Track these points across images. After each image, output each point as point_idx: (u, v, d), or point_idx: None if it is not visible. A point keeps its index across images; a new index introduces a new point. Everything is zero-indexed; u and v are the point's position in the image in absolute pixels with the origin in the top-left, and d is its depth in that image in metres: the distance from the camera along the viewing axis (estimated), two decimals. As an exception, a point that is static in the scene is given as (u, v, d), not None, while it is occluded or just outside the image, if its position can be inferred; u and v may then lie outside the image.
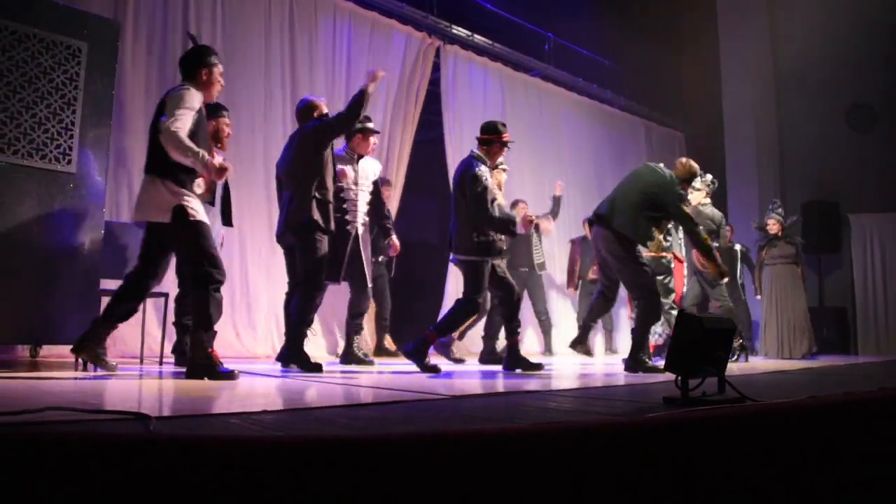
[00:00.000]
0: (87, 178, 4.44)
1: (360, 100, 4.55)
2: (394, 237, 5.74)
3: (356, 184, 5.24)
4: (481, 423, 2.05)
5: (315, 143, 4.63)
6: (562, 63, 10.15)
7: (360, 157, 5.34)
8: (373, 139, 5.41)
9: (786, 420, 1.76)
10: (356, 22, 7.59)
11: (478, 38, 8.83)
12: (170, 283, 5.58)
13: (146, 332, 5.07)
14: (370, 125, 5.37)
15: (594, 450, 1.41)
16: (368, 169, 5.38)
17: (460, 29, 8.59)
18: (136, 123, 5.78)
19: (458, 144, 8.36)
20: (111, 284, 4.87)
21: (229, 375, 3.56)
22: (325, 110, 4.92)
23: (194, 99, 3.68)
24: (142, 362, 4.93)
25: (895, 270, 10.20)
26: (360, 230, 5.27)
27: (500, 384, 3.69)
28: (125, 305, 3.81)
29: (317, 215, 4.58)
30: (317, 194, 4.62)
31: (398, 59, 7.93)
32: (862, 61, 10.32)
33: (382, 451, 1.22)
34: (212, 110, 4.50)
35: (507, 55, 9.30)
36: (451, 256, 5.08)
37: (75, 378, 3.53)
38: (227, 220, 4.70)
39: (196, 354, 3.66)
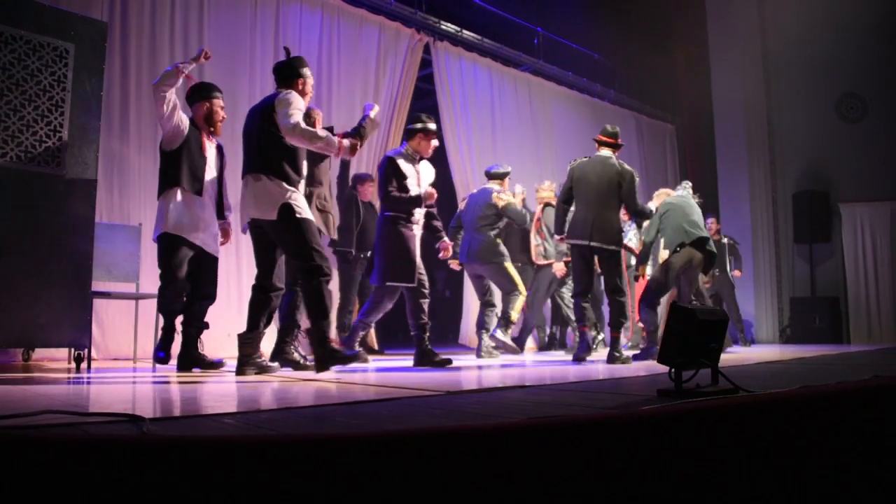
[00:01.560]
0: (76, 180, 4.42)
1: (360, 134, 4.38)
2: (445, 239, 5.53)
3: (418, 185, 5.12)
4: (475, 419, 2.06)
5: (319, 154, 4.65)
6: (551, 57, 10.15)
7: (421, 158, 5.21)
8: (434, 141, 5.28)
9: (779, 410, 1.76)
10: (344, 18, 7.57)
11: (467, 33, 8.82)
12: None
13: (138, 334, 5.06)
14: (432, 125, 5.27)
15: (589, 443, 1.41)
16: (427, 172, 5.26)
17: (449, 25, 8.58)
18: (126, 124, 5.75)
19: (453, 140, 8.36)
20: (102, 287, 4.87)
21: (356, 358, 4.00)
22: (321, 123, 5.09)
23: (301, 102, 3.96)
24: (135, 363, 4.92)
25: (886, 259, 10.24)
26: (420, 233, 5.19)
27: (494, 379, 3.70)
28: (269, 308, 4.14)
29: (318, 223, 4.76)
30: (317, 204, 4.82)
31: (387, 55, 7.91)
32: (851, 51, 10.35)
33: (377, 449, 1.22)
34: (204, 91, 4.55)
35: (497, 50, 9.30)
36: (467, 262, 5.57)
37: (68, 381, 3.52)
38: (219, 213, 4.65)
39: (321, 346, 3.88)
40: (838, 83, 10.59)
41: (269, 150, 3.92)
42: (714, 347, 2.79)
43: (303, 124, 3.84)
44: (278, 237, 3.96)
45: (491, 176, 6.79)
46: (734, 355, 6.19)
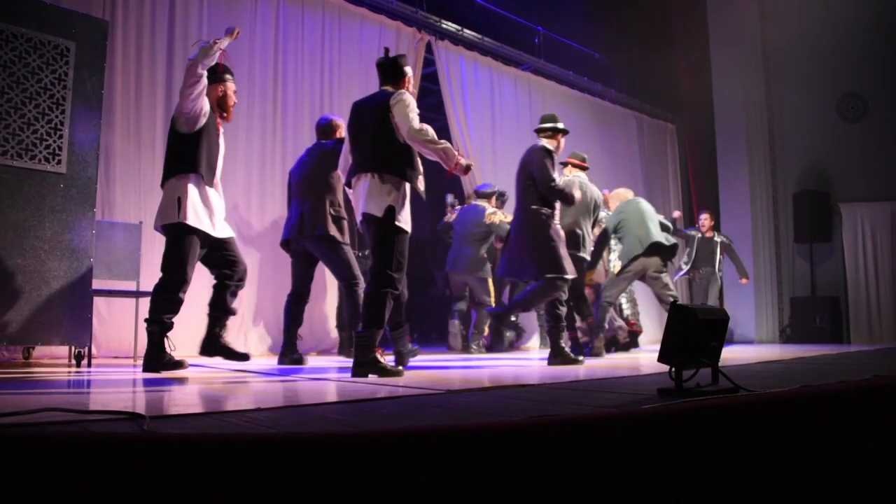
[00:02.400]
0: (77, 178, 4.42)
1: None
2: None
3: None
4: (476, 418, 2.06)
5: (336, 162, 4.67)
6: (552, 56, 10.14)
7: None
8: (562, 139, 5.42)
9: (780, 410, 1.76)
10: (345, 18, 7.56)
11: (468, 32, 8.81)
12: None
13: (139, 332, 5.06)
14: (560, 125, 5.35)
15: (590, 442, 1.41)
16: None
17: (450, 24, 8.57)
18: (127, 122, 5.75)
19: (454, 139, 8.35)
20: (103, 284, 4.87)
21: (395, 372, 3.75)
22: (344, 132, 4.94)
23: (414, 102, 4.02)
24: (136, 361, 4.92)
25: (887, 259, 10.24)
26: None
27: (495, 378, 3.70)
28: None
29: (333, 230, 4.89)
30: (331, 210, 4.94)
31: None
32: (852, 50, 10.34)
33: (378, 448, 1.22)
34: (219, 73, 4.28)
35: (497, 49, 9.29)
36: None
37: (69, 378, 3.52)
38: None
39: (364, 353, 3.78)
40: (839, 83, 10.58)
41: (385, 149, 3.95)
42: (714, 346, 2.79)
43: (426, 128, 3.90)
44: (374, 234, 3.96)
45: (480, 195, 7.25)
46: (732, 354, 6.18)
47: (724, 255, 9.00)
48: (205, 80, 4.03)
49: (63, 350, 4.85)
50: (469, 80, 8.84)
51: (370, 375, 3.72)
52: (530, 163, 5.16)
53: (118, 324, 5.40)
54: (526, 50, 9.77)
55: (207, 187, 4.13)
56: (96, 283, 4.59)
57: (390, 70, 4.16)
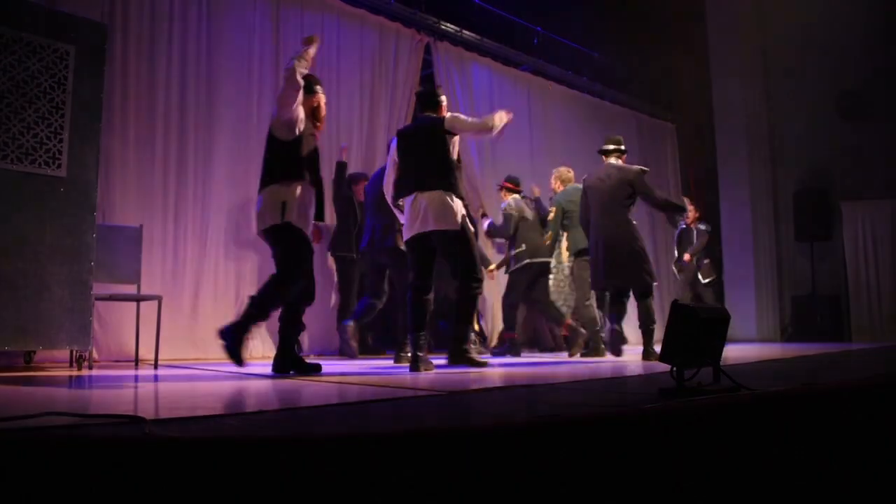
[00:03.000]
0: (77, 181, 4.41)
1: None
2: None
3: None
4: (476, 419, 2.05)
5: None
6: (551, 57, 10.14)
7: None
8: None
9: (782, 408, 1.76)
10: (344, 20, 7.56)
11: (467, 33, 8.81)
12: (160, 285, 5.61)
13: (140, 336, 5.06)
14: (623, 146, 6.07)
15: (593, 442, 1.41)
16: None
17: (449, 25, 8.57)
18: (126, 126, 5.75)
19: (456, 139, 8.34)
20: (104, 288, 4.87)
21: (482, 363, 4.53)
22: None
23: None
24: (137, 365, 4.92)
25: (887, 257, 10.24)
26: None
27: (496, 379, 3.69)
28: (426, 310, 4.56)
29: (401, 244, 5.31)
30: (398, 226, 5.43)
31: (388, 56, 7.91)
32: (851, 48, 10.34)
33: (378, 449, 1.22)
34: (311, 86, 4.32)
35: (497, 50, 9.28)
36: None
37: (70, 382, 3.52)
38: (318, 214, 4.55)
39: (459, 346, 4.54)
40: (839, 80, 10.58)
41: (448, 169, 4.51)
42: (715, 345, 2.79)
43: (482, 119, 4.70)
44: (452, 246, 4.49)
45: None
46: (734, 353, 6.18)
47: (703, 245, 8.82)
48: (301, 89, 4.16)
49: (64, 354, 4.85)
50: (468, 80, 8.84)
51: (458, 367, 4.46)
52: (632, 183, 5.71)
53: (119, 327, 5.40)
54: (525, 50, 9.76)
55: (308, 193, 4.21)
56: (97, 287, 4.59)
57: (429, 99, 4.78)
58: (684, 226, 8.84)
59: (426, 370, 4.26)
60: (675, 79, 11.90)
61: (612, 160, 5.91)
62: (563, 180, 7.05)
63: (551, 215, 6.82)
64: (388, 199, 4.93)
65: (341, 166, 6.97)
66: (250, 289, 6.34)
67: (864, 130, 10.41)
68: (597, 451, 1.38)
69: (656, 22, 11.21)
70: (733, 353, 6.35)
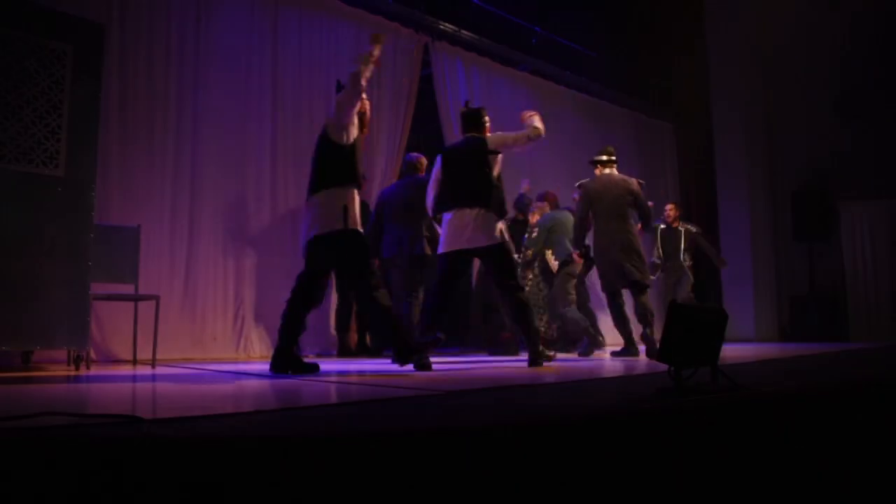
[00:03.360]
0: (75, 181, 4.40)
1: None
2: None
3: None
4: (475, 419, 2.05)
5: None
6: (550, 56, 10.13)
7: None
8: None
9: (779, 408, 1.77)
10: (343, 19, 7.55)
11: (465, 33, 8.80)
12: (157, 284, 5.60)
13: (138, 336, 5.06)
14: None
15: (590, 441, 1.41)
16: None
17: (447, 24, 8.56)
18: (124, 126, 5.75)
19: (452, 140, 8.34)
20: (102, 288, 4.87)
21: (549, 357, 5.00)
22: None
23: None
24: (135, 365, 4.92)
25: (886, 257, 10.25)
26: None
27: (495, 379, 3.69)
28: (442, 315, 4.82)
29: (429, 250, 5.87)
30: (427, 233, 6.00)
31: (387, 56, 7.90)
32: (849, 48, 10.34)
33: (377, 449, 1.22)
34: None
35: (495, 49, 9.27)
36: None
37: (68, 382, 3.51)
38: None
39: (537, 347, 4.73)
40: (837, 81, 10.58)
41: (487, 188, 4.77)
42: (714, 345, 2.79)
43: (528, 130, 4.98)
44: (497, 258, 4.79)
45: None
46: (732, 353, 6.18)
47: (691, 246, 8.62)
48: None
49: (62, 353, 4.85)
50: (466, 80, 8.83)
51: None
52: (635, 193, 6.25)
53: (117, 327, 5.39)
54: (524, 50, 9.76)
55: (358, 200, 4.28)
56: (95, 287, 4.58)
57: (474, 120, 5.05)
58: (664, 225, 8.74)
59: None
60: (674, 79, 11.91)
61: (609, 170, 6.39)
62: (552, 205, 7.52)
63: (534, 234, 7.23)
64: (430, 212, 5.18)
65: None
66: (248, 288, 6.36)
67: (862, 130, 10.41)
68: (596, 450, 1.38)
69: (655, 22, 11.22)
70: (731, 352, 6.36)
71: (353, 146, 4.22)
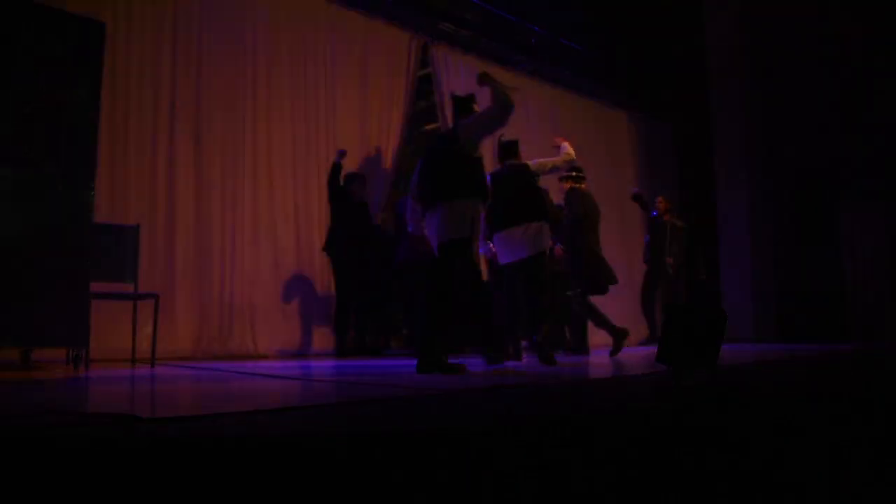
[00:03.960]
0: (74, 180, 4.40)
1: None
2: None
3: None
4: (475, 418, 2.05)
5: None
6: (549, 57, 10.12)
7: None
8: None
9: (778, 408, 1.76)
10: (342, 20, 7.54)
11: (464, 33, 8.80)
12: (157, 283, 5.60)
13: (137, 335, 5.06)
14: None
15: (589, 441, 1.41)
16: None
17: (447, 25, 8.55)
18: (125, 125, 5.75)
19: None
20: (101, 287, 4.87)
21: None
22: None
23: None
24: (134, 363, 4.91)
25: (885, 258, 10.25)
26: None
27: (494, 379, 3.69)
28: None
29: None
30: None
31: (386, 56, 7.90)
32: (850, 48, 10.34)
33: (377, 448, 1.22)
34: (468, 105, 4.60)
35: (495, 50, 9.27)
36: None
37: (66, 381, 3.51)
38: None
39: (546, 347, 4.88)
40: (838, 81, 10.57)
41: (540, 203, 5.20)
42: (712, 345, 2.79)
43: (560, 157, 5.59)
44: (539, 266, 5.04)
45: None
46: (731, 353, 6.17)
47: (676, 241, 8.56)
48: None
49: (61, 353, 4.84)
50: (466, 81, 8.82)
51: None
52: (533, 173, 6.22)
53: (116, 326, 5.39)
54: (523, 50, 9.75)
55: None
56: (94, 286, 4.57)
57: (511, 148, 5.43)
58: (654, 213, 8.68)
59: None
60: (674, 79, 11.90)
61: (582, 186, 6.57)
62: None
63: None
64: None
65: (336, 167, 6.92)
66: (248, 287, 6.36)
67: (863, 131, 10.41)
68: (594, 450, 1.38)
69: (655, 22, 11.22)
70: (731, 353, 6.36)
71: (481, 160, 4.39)
